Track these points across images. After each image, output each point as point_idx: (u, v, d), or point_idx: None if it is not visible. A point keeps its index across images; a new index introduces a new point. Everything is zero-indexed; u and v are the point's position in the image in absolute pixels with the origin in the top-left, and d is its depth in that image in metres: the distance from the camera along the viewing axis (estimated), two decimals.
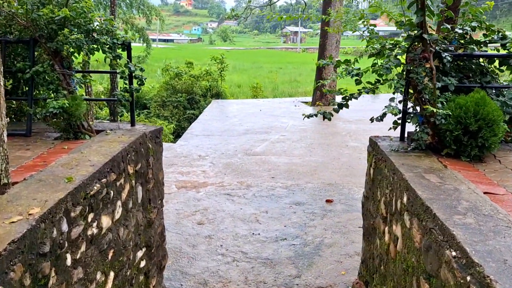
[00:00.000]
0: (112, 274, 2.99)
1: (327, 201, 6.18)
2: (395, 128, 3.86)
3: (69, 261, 2.37)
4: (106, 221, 2.86)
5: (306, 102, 16.21)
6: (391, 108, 3.41)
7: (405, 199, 2.61)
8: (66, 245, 2.33)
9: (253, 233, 5.34)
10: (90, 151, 3.16)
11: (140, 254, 3.63)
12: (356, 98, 3.79)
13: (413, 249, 2.38)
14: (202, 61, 28.00)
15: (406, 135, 3.75)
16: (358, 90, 3.78)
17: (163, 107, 20.42)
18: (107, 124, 4.18)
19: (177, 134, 17.62)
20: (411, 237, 2.44)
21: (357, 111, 13.47)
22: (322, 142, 9.68)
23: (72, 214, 2.39)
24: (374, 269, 3.45)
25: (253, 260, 4.74)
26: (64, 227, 2.31)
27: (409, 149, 3.40)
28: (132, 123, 3.97)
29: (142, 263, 3.70)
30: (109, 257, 2.94)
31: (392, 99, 3.51)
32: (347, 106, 3.96)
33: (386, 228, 3.07)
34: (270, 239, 5.19)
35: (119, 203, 3.11)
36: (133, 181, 3.42)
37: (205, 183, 7.11)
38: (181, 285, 4.39)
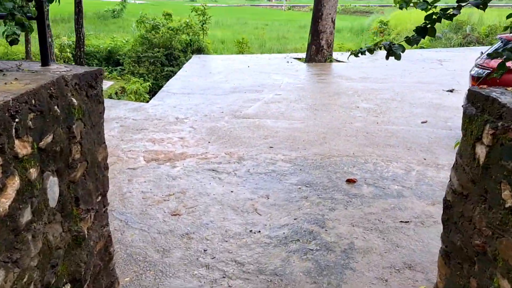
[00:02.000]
0: None
1: (349, 180, 4.60)
2: (501, 75, 2.25)
3: None
4: None
5: (299, 59, 14.42)
6: None
7: None
8: None
9: (250, 230, 3.74)
10: None
11: None
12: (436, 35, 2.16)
13: None
14: (181, 15, 25.58)
15: None
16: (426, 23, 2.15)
17: (138, 63, 18.47)
18: (3, 62, 2.44)
19: (154, 93, 15.79)
20: None
21: (355, 68, 11.77)
22: (326, 102, 8.03)
23: None
24: None
25: (253, 276, 3.16)
26: None
27: None
28: (44, 61, 2.19)
29: None
30: None
31: None
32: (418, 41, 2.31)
33: None
34: (275, 240, 3.60)
35: None
36: (33, 170, 1.74)
37: (183, 154, 5.44)
38: None
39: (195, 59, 14.19)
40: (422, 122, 6.56)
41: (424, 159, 5.18)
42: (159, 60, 17.98)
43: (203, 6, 18.82)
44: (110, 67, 20.02)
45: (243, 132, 6.25)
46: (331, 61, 13.67)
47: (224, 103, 7.98)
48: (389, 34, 24.69)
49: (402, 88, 9.11)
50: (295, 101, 8.08)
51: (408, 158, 5.13)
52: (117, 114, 7.22)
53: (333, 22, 13.57)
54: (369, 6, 59.46)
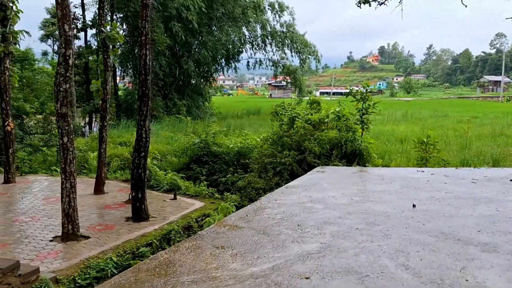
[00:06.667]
0: None
1: None
2: None
3: None
4: None
5: None
6: None
7: None
8: None
9: None
10: None
11: None
12: None
13: None
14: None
15: None
16: None
17: (261, 173, 12.49)
18: None
19: None
20: None
21: None
22: None
23: None
24: None
25: None
26: None
27: None
28: None
29: None
30: None
31: None
32: None
33: None
34: None
35: None
36: None
37: None
38: None
39: (312, 175, 7.40)
40: None
41: None
42: (287, 168, 11.73)
43: (364, 86, 12.27)
44: (236, 174, 14.41)
45: None
46: None
47: None
48: None
49: None
50: None
51: None
52: None
53: None
54: None
